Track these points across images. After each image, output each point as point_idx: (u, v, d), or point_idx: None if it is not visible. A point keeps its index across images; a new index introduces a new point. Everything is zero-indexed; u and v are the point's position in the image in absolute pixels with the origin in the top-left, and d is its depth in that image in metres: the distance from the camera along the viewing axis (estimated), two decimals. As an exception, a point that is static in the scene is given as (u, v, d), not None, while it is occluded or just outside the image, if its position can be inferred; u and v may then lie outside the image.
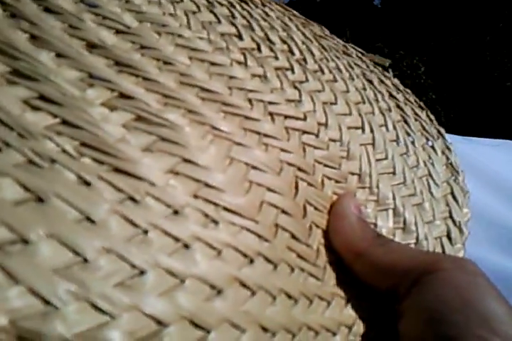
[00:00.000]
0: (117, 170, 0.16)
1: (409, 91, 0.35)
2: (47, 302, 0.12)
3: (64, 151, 0.15)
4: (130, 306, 0.13)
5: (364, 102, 0.28)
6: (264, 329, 0.16)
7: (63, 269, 0.13)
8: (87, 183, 0.15)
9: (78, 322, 0.12)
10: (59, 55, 0.18)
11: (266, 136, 0.20)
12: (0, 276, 0.12)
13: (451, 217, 0.26)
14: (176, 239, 0.15)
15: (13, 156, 0.14)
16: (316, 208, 0.21)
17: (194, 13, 0.25)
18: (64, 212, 0.14)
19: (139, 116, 0.17)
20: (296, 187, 0.20)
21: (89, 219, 0.14)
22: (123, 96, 0.18)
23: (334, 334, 0.18)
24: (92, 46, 0.19)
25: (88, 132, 0.16)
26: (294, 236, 0.19)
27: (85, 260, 0.13)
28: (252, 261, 0.17)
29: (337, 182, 0.23)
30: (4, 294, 0.12)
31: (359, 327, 0.19)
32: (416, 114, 0.32)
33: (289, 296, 0.17)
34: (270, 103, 0.22)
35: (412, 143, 0.28)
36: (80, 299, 0.12)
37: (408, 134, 0.29)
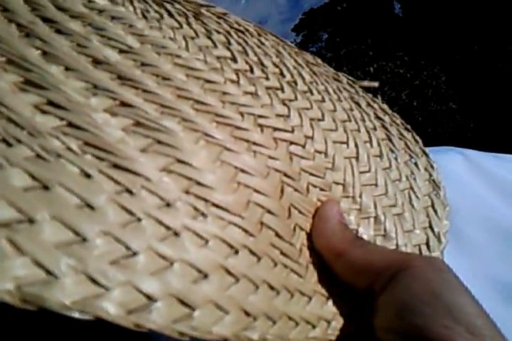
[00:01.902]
0: (116, 166, 0.17)
1: (396, 115, 0.37)
2: (49, 273, 0.13)
3: (68, 148, 0.17)
4: (123, 281, 0.15)
5: (350, 121, 0.30)
6: (247, 314, 0.17)
7: (64, 246, 0.14)
8: (88, 175, 0.16)
9: (76, 291, 0.14)
10: (67, 69, 0.20)
11: (255, 144, 0.22)
12: (8, 248, 0.13)
13: (430, 227, 0.27)
14: (167, 228, 0.17)
15: (24, 150, 0.16)
16: (300, 212, 0.22)
17: (192, 38, 0.27)
18: (66, 199, 0.15)
19: (137, 122, 0.19)
20: (282, 191, 0.22)
21: (89, 206, 0.16)
22: (123, 104, 0.20)
23: (314, 327, 0.19)
24: (97, 62, 0.21)
25: (91, 133, 0.18)
26: (278, 235, 0.20)
27: (84, 239, 0.15)
28: (237, 252, 0.18)
29: (322, 190, 0.24)
30: (11, 263, 0.13)
31: (338, 323, 0.20)
32: (401, 134, 0.34)
33: (271, 287, 0.19)
34: (260, 116, 0.24)
35: (396, 159, 0.30)
36: (78, 272, 0.14)
37: (392, 151, 0.31)
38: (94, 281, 0.14)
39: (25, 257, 0.13)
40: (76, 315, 0.13)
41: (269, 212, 0.21)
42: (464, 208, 0.56)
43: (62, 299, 0.13)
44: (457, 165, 0.63)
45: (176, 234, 0.17)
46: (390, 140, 0.32)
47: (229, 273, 0.17)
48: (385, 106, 0.37)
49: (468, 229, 0.54)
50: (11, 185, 0.15)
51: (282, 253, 0.20)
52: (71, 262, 0.14)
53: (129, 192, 0.17)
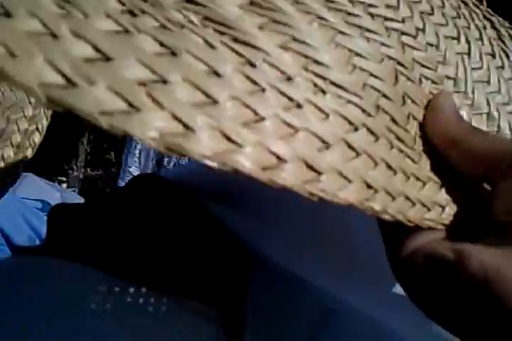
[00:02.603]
0: (236, 40, 0.17)
1: (502, 19, 0.35)
2: (187, 127, 0.14)
3: (190, 21, 0.17)
4: (255, 141, 0.15)
5: (459, 18, 0.28)
6: (368, 186, 0.17)
7: (198, 105, 0.14)
8: (212, 46, 0.16)
9: (213, 145, 0.14)
10: None
11: (367, 30, 0.21)
12: (148, 102, 0.14)
13: None
14: (290, 99, 0.17)
15: (149, 20, 0.16)
16: (413, 101, 0.22)
17: None
18: (195, 65, 0.15)
19: (251, 1, 0.19)
20: (396, 79, 0.21)
21: (216, 73, 0.16)
22: None
23: (429, 209, 0.19)
24: None
25: (210, 9, 0.18)
26: (393, 119, 0.20)
27: (215, 102, 0.15)
28: (356, 129, 0.18)
29: (433, 83, 0.23)
30: (153, 115, 0.14)
31: (452, 209, 0.20)
32: (511, 36, 0.31)
33: (389, 167, 0.18)
34: (370, 5, 0.23)
35: (508, 58, 0.28)
36: (213, 129, 0.14)
37: (504, 51, 0.29)
38: (228, 138, 0.14)
39: (164, 111, 0.14)
40: (215, 165, 0.14)
41: (385, 96, 0.20)
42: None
43: (201, 150, 0.14)
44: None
45: (299, 105, 0.17)
46: (502, 40, 0.30)
47: (350, 147, 0.17)
48: (489, 10, 0.35)
49: None
50: (142, 49, 0.15)
51: (398, 138, 0.20)
52: (206, 119, 0.14)
53: (251, 64, 0.17)
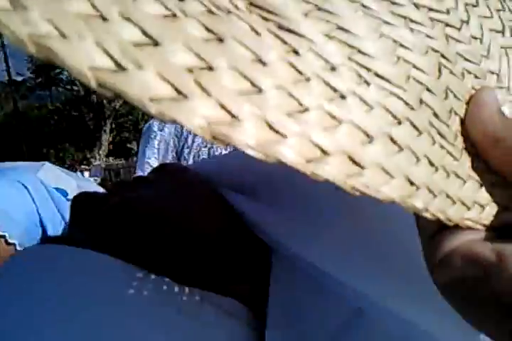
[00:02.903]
0: (281, 28, 0.17)
1: None
2: (233, 116, 0.14)
3: (236, 7, 0.17)
4: (299, 132, 0.14)
5: (504, 10, 0.27)
6: (410, 182, 0.17)
7: (244, 93, 0.14)
8: (257, 33, 0.16)
9: (257, 135, 0.14)
10: None
11: (411, 21, 0.21)
12: (196, 89, 0.13)
13: None
14: (334, 90, 0.16)
15: (196, 5, 0.16)
16: (455, 96, 0.21)
17: None
18: (240, 52, 0.15)
19: None
20: (440, 72, 0.21)
21: (261, 61, 0.15)
22: None
23: (468, 208, 0.19)
24: None
25: None
26: (435, 114, 0.19)
27: (260, 90, 0.15)
28: (399, 123, 0.17)
29: (476, 77, 0.23)
30: (201, 103, 0.13)
31: (492, 209, 0.20)
32: None
33: (431, 163, 0.18)
34: None
35: None
36: (258, 118, 0.14)
37: None
38: (272, 128, 0.14)
39: (212, 99, 0.13)
40: (259, 156, 0.13)
41: (428, 89, 0.19)
42: None
43: (247, 140, 0.13)
44: None
45: (343, 96, 0.16)
46: None
47: (393, 141, 0.17)
48: None
49: None
50: (190, 34, 0.15)
51: (439, 133, 0.19)
52: (252, 108, 0.14)
53: (296, 53, 0.16)
